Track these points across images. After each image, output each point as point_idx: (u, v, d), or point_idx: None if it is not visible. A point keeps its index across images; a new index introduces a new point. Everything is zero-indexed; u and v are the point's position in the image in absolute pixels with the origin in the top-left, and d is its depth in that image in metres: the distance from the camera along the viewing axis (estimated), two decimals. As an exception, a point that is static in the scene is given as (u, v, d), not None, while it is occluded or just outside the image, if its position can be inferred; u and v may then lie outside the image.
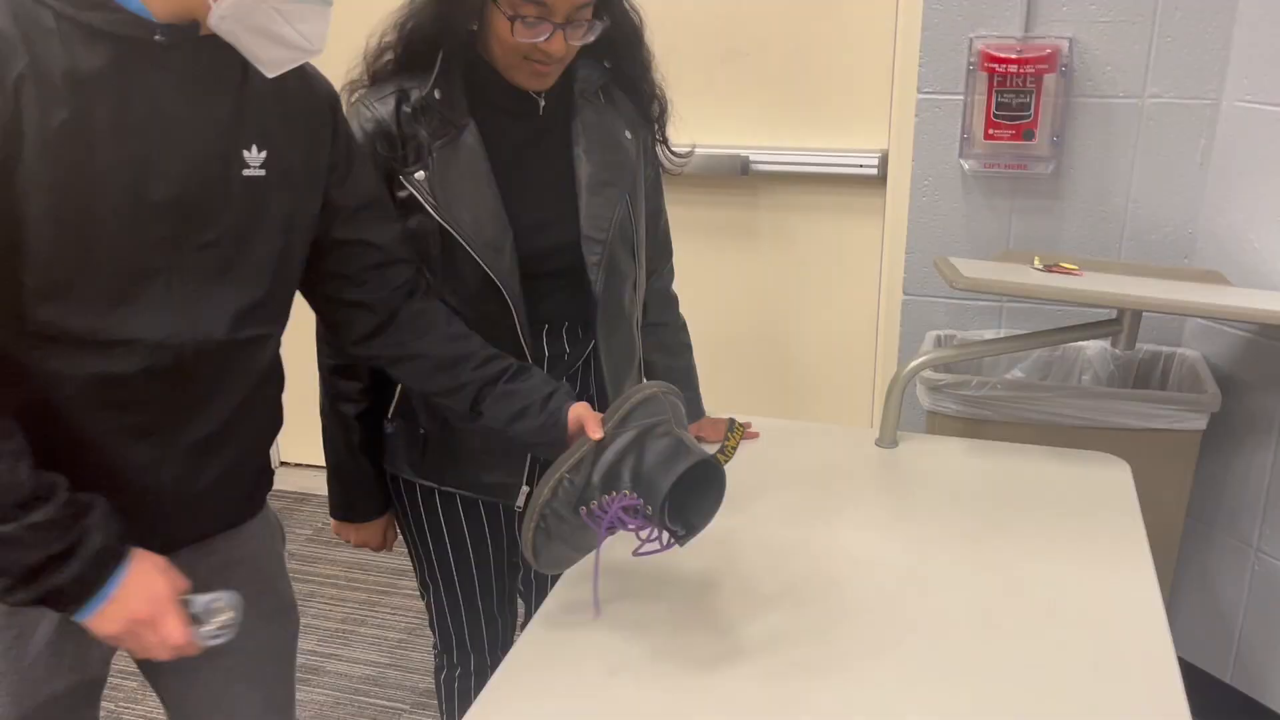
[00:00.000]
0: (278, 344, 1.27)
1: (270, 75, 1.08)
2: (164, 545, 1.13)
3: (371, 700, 2.38)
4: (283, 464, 3.43)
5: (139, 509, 1.11)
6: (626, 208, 1.48)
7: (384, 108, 1.36)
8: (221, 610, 1.10)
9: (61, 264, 1.02)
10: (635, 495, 1.14)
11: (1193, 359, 2.07)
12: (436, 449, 1.51)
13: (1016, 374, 2.20)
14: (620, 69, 1.50)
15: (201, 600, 1.10)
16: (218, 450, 1.21)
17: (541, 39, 1.31)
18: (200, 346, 1.13)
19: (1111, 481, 1.65)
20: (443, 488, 1.54)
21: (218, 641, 1.11)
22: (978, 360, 2.19)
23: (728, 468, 1.52)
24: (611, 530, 1.18)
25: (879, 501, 1.58)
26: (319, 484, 1.64)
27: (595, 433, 1.19)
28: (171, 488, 1.17)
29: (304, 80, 1.20)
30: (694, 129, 2.62)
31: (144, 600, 1.05)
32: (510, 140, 1.42)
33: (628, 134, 1.50)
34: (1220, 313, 1.67)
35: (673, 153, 1.62)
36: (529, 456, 1.51)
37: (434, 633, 1.71)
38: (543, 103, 1.43)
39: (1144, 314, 1.90)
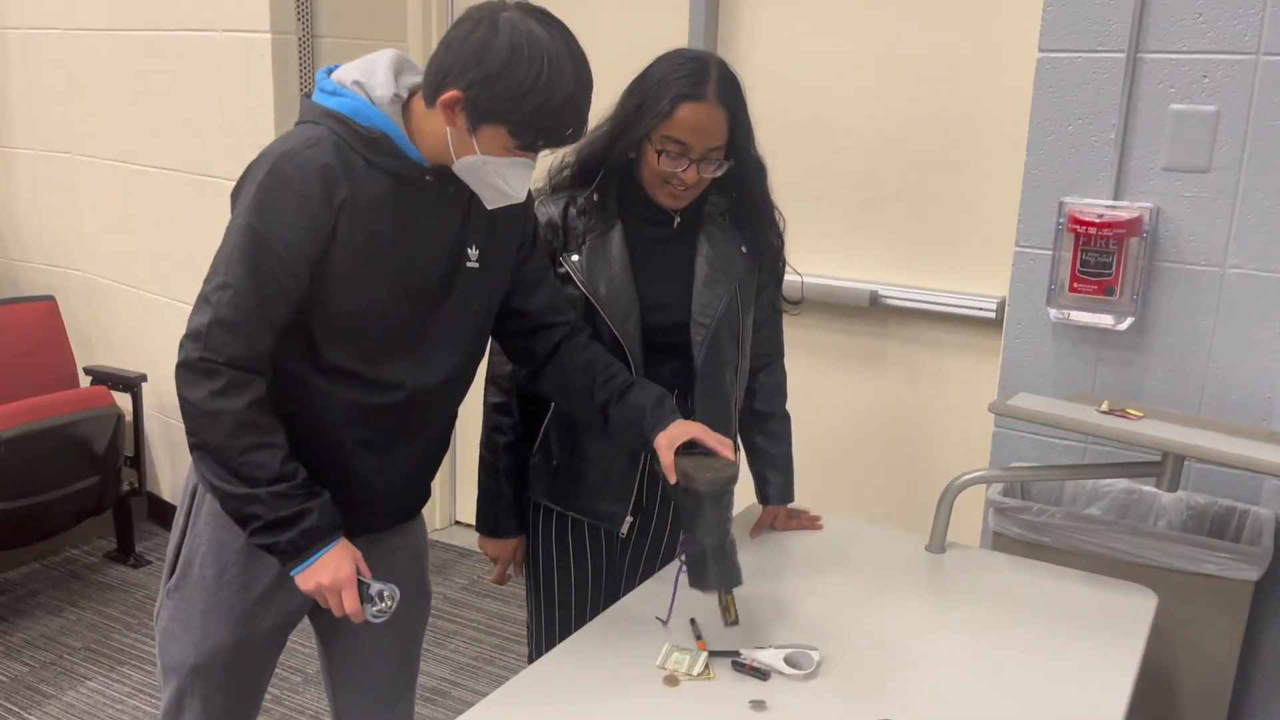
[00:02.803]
0: (468, 390, 1.69)
1: (489, 208, 1.52)
2: (355, 530, 1.52)
3: (484, 727, 2.71)
4: (456, 523, 3.88)
5: (350, 501, 1.52)
6: (733, 304, 1.86)
7: (555, 208, 1.82)
8: (388, 598, 1.44)
9: (348, 324, 1.46)
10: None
11: (1265, 516, 2.15)
12: (565, 477, 1.89)
13: (1093, 510, 2.33)
14: (743, 200, 1.88)
15: (377, 586, 1.44)
16: (416, 464, 1.64)
17: (680, 170, 1.73)
18: (426, 389, 1.57)
19: (1130, 608, 1.78)
20: (565, 511, 1.91)
21: (378, 621, 1.45)
22: (1058, 490, 2.34)
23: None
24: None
25: (906, 595, 1.79)
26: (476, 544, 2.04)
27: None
28: (379, 488, 1.60)
29: None
30: (829, 262, 2.94)
31: (331, 574, 1.42)
32: (647, 242, 1.84)
33: (744, 249, 1.88)
34: (1256, 466, 1.80)
35: (785, 300, 2.00)
36: (635, 491, 1.87)
37: (529, 648, 2.04)
38: (678, 219, 1.84)
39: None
